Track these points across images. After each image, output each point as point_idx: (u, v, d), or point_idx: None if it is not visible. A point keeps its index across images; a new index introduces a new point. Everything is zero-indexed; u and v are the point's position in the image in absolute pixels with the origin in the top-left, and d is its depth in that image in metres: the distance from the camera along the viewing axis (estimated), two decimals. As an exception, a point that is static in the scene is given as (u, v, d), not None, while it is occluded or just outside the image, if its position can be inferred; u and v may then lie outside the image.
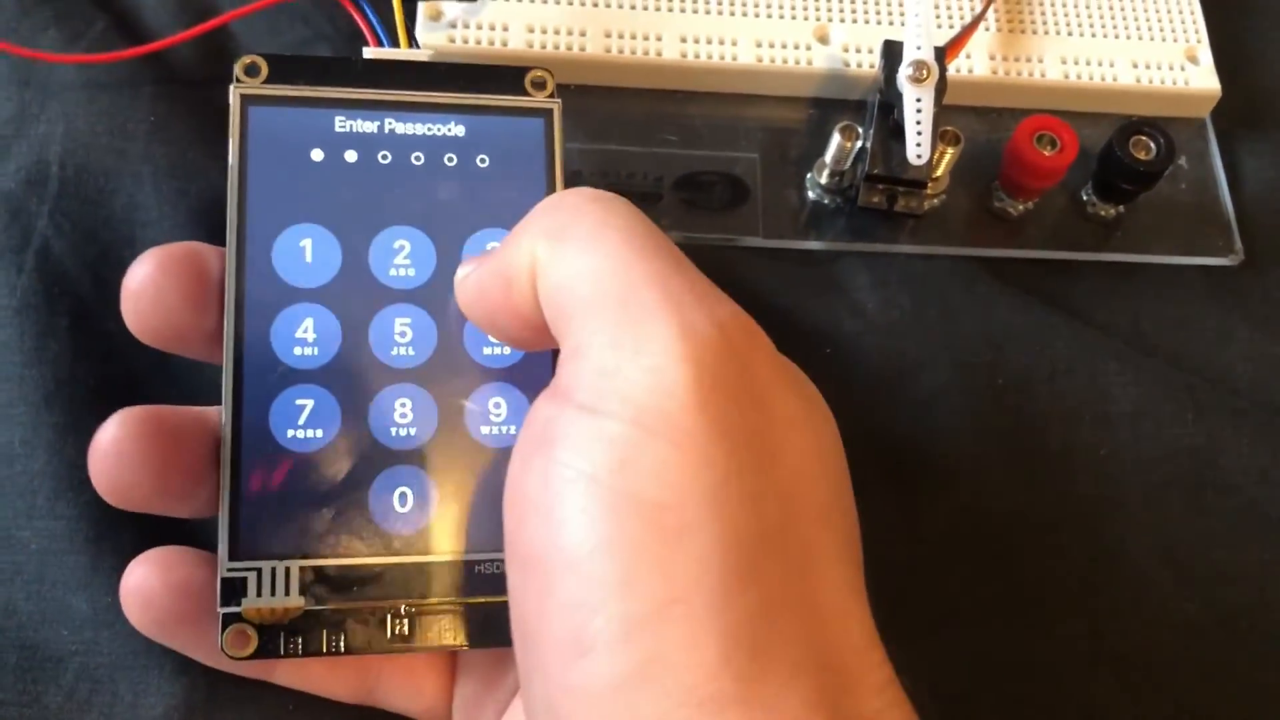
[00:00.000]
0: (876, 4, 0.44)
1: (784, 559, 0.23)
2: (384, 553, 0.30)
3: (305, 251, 0.32)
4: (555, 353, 0.32)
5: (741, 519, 0.23)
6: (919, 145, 0.39)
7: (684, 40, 0.42)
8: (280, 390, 0.31)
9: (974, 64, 0.43)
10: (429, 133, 0.33)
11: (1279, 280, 0.44)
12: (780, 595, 0.23)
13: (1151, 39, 0.45)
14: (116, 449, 0.30)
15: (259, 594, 0.29)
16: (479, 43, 0.41)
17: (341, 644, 0.30)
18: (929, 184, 0.40)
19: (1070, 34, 0.44)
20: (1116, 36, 0.45)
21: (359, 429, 0.31)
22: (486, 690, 0.33)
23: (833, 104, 0.44)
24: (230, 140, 0.32)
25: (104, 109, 0.40)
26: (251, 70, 0.33)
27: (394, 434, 0.31)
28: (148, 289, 0.31)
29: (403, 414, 0.31)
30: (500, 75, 0.34)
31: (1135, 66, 0.44)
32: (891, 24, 0.44)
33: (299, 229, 0.32)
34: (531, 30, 0.42)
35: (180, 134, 0.41)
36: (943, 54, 0.41)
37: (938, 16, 0.44)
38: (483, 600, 0.31)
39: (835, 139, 0.40)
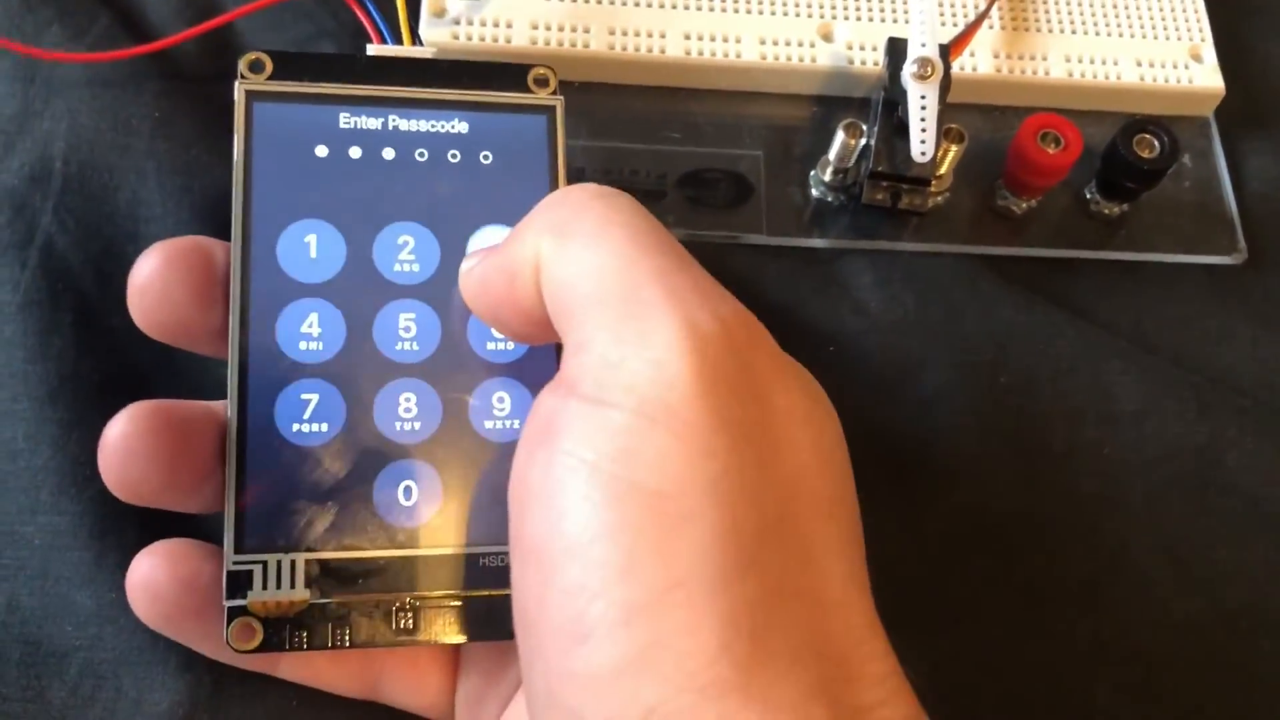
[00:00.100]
0: (881, 1, 0.44)
1: (783, 550, 0.24)
2: (388, 546, 0.30)
3: (310, 247, 0.32)
4: (559, 348, 0.32)
5: (741, 509, 0.23)
6: (923, 143, 0.39)
7: (688, 37, 0.42)
8: (285, 385, 0.31)
9: (978, 62, 0.43)
10: (433, 129, 0.33)
11: (1282, 279, 0.44)
12: (779, 585, 0.23)
13: (1155, 37, 0.45)
14: (126, 444, 0.30)
15: (264, 587, 0.29)
16: (483, 39, 0.41)
17: (346, 637, 0.30)
18: (933, 182, 0.41)
19: (1074, 32, 0.44)
20: (1120, 35, 0.45)
21: (364, 423, 0.31)
22: (489, 685, 0.33)
23: (837, 101, 0.44)
24: (235, 136, 0.32)
25: (108, 106, 0.40)
26: (256, 67, 0.33)
27: (398, 428, 0.31)
28: (154, 283, 0.31)
29: (407, 409, 0.31)
30: (503, 72, 0.34)
31: (1139, 65, 0.44)
32: (896, 21, 0.44)
33: (304, 225, 0.32)
34: (535, 27, 0.42)
35: (184, 131, 0.41)
36: (947, 51, 0.41)
37: (942, 14, 0.44)
38: (487, 593, 0.31)
39: (839, 136, 0.40)
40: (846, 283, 0.42)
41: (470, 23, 0.41)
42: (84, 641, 0.34)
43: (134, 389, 0.34)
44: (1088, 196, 0.43)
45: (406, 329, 0.32)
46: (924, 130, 0.39)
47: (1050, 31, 0.44)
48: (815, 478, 0.25)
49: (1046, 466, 0.40)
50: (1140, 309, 0.43)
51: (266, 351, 0.31)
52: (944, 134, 0.40)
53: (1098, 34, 0.45)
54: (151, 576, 0.30)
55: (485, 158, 0.34)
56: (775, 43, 0.43)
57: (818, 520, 0.25)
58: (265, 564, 0.30)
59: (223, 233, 0.32)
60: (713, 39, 0.43)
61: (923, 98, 0.39)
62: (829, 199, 0.42)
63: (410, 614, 0.30)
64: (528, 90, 0.34)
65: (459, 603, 0.31)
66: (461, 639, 0.31)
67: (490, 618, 0.31)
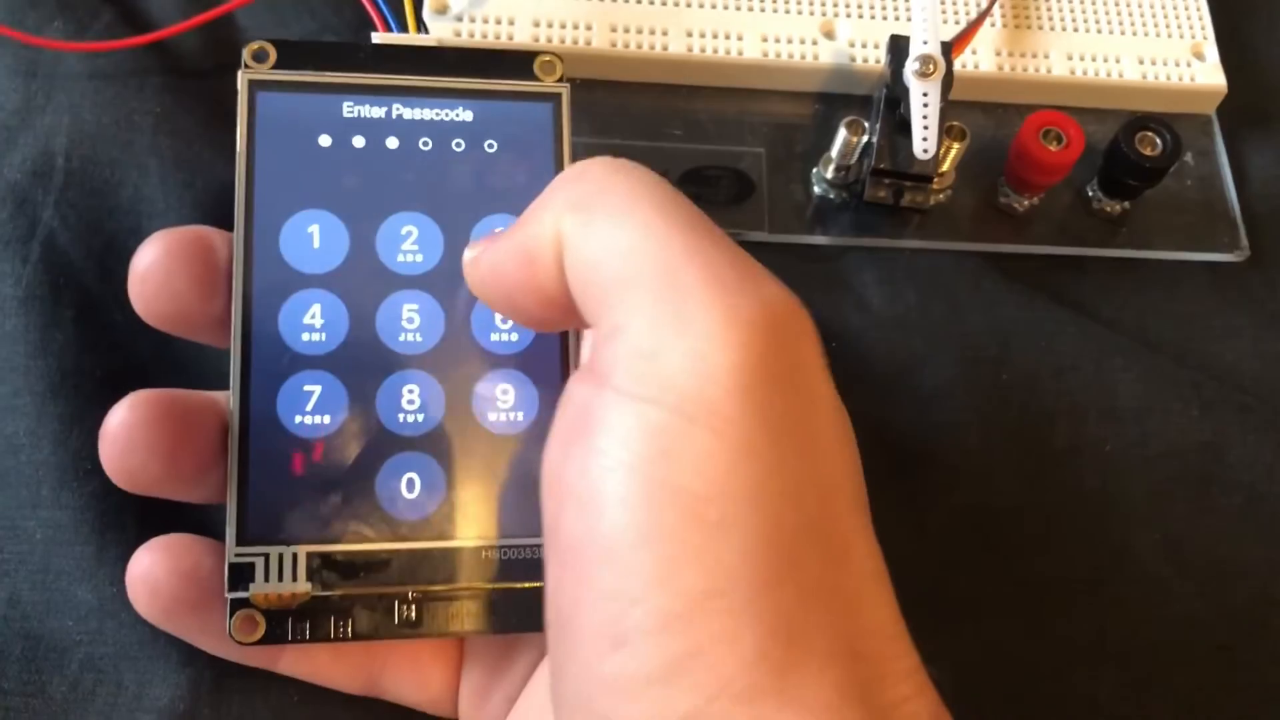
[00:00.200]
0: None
1: (823, 548, 0.23)
2: (391, 539, 0.30)
3: (313, 237, 0.32)
4: (564, 340, 0.32)
5: (783, 511, 0.23)
6: (925, 140, 0.39)
7: (690, 35, 0.43)
8: (288, 376, 0.31)
9: (980, 59, 0.44)
10: (437, 118, 0.33)
11: (1285, 277, 0.44)
12: (816, 585, 0.23)
13: (1158, 35, 0.45)
14: (127, 432, 0.30)
15: (267, 579, 0.29)
16: (485, 36, 0.41)
17: (349, 630, 0.30)
18: (935, 179, 0.41)
19: (1076, 30, 0.45)
20: (1123, 32, 0.45)
21: (366, 415, 0.31)
22: (493, 679, 0.33)
23: (839, 99, 0.44)
24: (238, 126, 0.32)
25: (110, 100, 0.41)
26: (260, 56, 0.33)
27: (401, 420, 0.31)
28: (155, 272, 0.31)
29: (410, 400, 0.31)
30: (509, 60, 0.34)
31: (1141, 62, 0.44)
32: (898, 19, 0.44)
33: (306, 215, 0.32)
34: (537, 24, 0.42)
35: (186, 125, 0.41)
36: (949, 49, 0.41)
37: (944, 12, 0.44)
38: (490, 586, 0.31)
39: (841, 134, 0.40)
40: (849, 280, 0.42)
41: (472, 19, 0.41)
42: (85, 636, 0.34)
43: (136, 384, 0.34)
44: (1090, 194, 0.43)
45: (410, 320, 0.32)
46: (926, 128, 0.39)
47: (1052, 29, 0.44)
48: (851, 469, 0.25)
49: (1048, 463, 0.40)
50: (1142, 306, 0.43)
51: (269, 343, 0.31)
52: (946, 131, 0.40)
53: (1100, 31, 0.45)
54: (151, 571, 0.30)
55: (490, 146, 0.33)
56: (777, 40, 0.43)
57: (854, 514, 0.24)
58: (267, 556, 0.29)
59: (224, 227, 0.32)
60: (715, 36, 0.43)
61: (925, 95, 0.39)
62: (831, 196, 0.42)
63: (413, 607, 0.30)
64: (533, 78, 0.34)
65: (462, 595, 0.31)
66: (465, 632, 0.31)
67: (494, 610, 0.31)
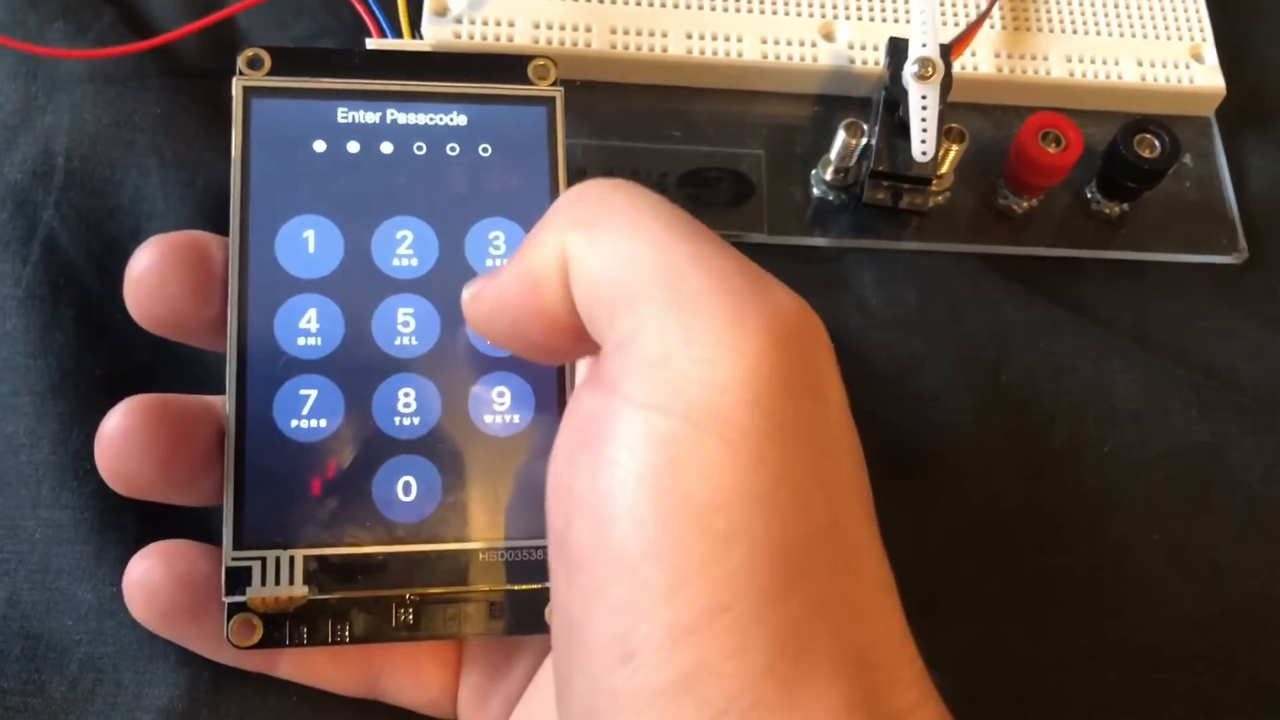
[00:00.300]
0: (882, 1, 0.44)
1: (832, 558, 0.23)
2: (388, 542, 0.30)
3: (308, 242, 0.32)
4: None
5: (792, 521, 0.22)
6: (924, 143, 0.39)
7: (690, 36, 0.43)
8: (284, 381, 0.31)
9: (979, 61, 0.44)
10: (431, 122, 0.33)
11: (1283, 278, 0.44)
12: (825, 595, 0.22)
13: (1156, 37, 0.45)
14: (122, 436, 0.30)
15: (264, 583, 0.29)
16: (484, 38, 0.41)
17: (346, 633, 0.30)
18: (934, 181, 0.41)
19: (1075, 32, 0.45)
20: (1121, 34, 0.45)
21: (362, 419, 0.31)
22: (492, 682, 0.33)
23: (838, 101, 0.44)
24: (233, 132, 0.32)
25: (110, 101, 0.41)
26: (254, 63, 0.33)
27: (397, 424, 0.31)
28: (150, 276, 0.31)
29: (406, 404, 0.31)
30: (502, 64, 0.34)
31: (1140, 64, 0.44)
32: (897, 21, 0.44)
33: (302, 220, 0.32)
34: (537, 25, 0.42)
35: (186, 126, 0.41)
36: (948, 51, 0.41)
37: (943, 14, 0.44)
38: (487, 588, 0.31)
39: (840, 136, 0.40)
40: (848, 281, 0.42)
41: (472, 21, 0.41)
42: (84, 636, 0.34)
43: (135, 384, 0.34)
44: (1088, 196, 0.43)
45: (405, 324, 0.32)
46: (925, 130, 0.39)
47: (1051, 31, 0.44)
48: (858, 478, 0.24)
49: (1047, 464, 0.40)
50: (1141, 308, 0.43)
51: (265, 347, 0.31)
52: (945, 134, 0.40)
53: (1099, 34, 0.45)
54: (148, 577, 0.30)
55: (484, 150, 0.33)
56: (777, 42, 0.43)
57: (863, 523, 0.24)
58: (264, 560, 0.30)
59: (224, 228, 0.32)
60: (714, 38, 0.43)
61: (924, 98, 0.39)
62: (830, 198, 0.42)
63: (410, 610, 0.30)
64: (527, 82, 0.34)
65: (460, 599, 0.31)
66: (462, 635, 0.31)
67: (491, 613, 0.31)
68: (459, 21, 0.41)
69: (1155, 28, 0.45)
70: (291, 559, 0.30)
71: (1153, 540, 0.39)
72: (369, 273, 0.32)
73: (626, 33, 0.42)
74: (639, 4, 0.43)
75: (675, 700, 0.21)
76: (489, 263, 0.32)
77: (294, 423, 0.31)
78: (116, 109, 0.41)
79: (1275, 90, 0.47)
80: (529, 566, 0.31)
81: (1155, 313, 0.43)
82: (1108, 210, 0.43)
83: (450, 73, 0.34)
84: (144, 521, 0.35)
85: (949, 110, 0.40)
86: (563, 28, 0.42)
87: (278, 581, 0.29)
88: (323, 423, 0.31)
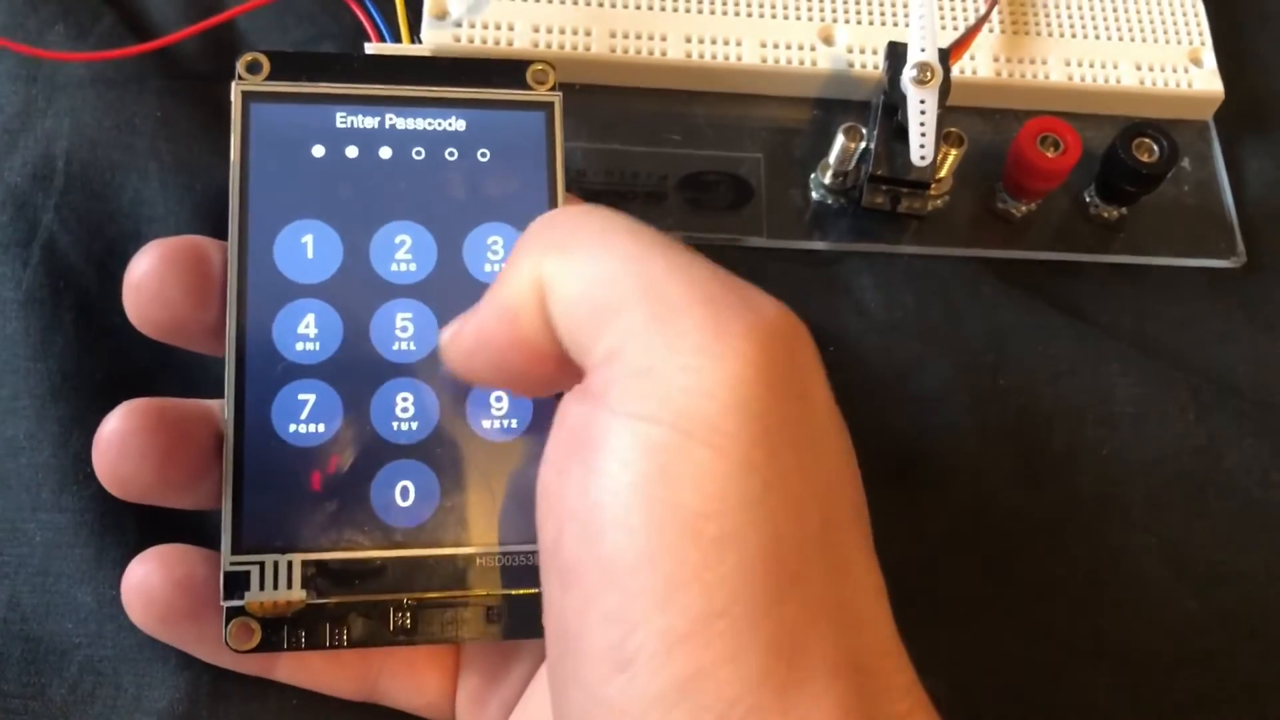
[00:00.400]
0: (881, 5, 0.44)
1: (824, 563, 0.23)
2: (386, 546, 0.30)
3: (307, 247, 0.32)
4: None
5: (783, 526, 0.22)
6: (922, 147, 0.39)
7: (689, 40, 0.43)
8: (282, 385, 0.31)
9: (978, 65, 0.44)
10: (430, 127, 0.33)
11: (1281, 282, 0.44)
12: (819, 600, 0.22)
13: (1155, 41, 0.45)
14: (120, 440, 0.30)
15: (262, 588, 0.30)
16: (484, 42, 0.41)
17: (344, 637, 0.30)
18: (932, 185, 0.41)
19: (1074, 36, 0.45)
20: (1120, 39, 0.45)
21: (361, 423, 0.31)
22: (490, 685, 0.33)
23: (837, 104, 0.44)
24: (232, 137, 0.32)
25: (110, 104, 0.41)
26: (253, 67, 0.33)
27: (396, 428, 0.31)
28: (149, 281, 0.31)
29: (404, 408, 0.31)
30: (501, 69, 0.34)
31: (1139, 69, 0.44)
32: (896, 25, 0.44)
33: (300, 225, 0.32)
34: (537, 29, 0.42)
35: (186, 129, 0.41)
36: (947, 56, 0.41)
37: (942, 18, 0.44)
38: (485, 593, 0.31)
39: (839, 140, 0.40)
40: (847, 285, 0.42)
41: (472, 25, 0.41)
42: (84, 639, 0.34)
43: (135, 387, 0.34)
44: (1087, 200, 0.43)
45: (403, 328, 0.32)
46: (923, 135, 0.39)
47: (1050, 35, 0.44)
48: (850, 481, 0.25)
49: (1046, 467, 0.40)
50: (1139, 312, 0.43)
51: (263, 352, 0.31)
52: (943, 138, 0.40)
53: (1097, 38, 0.45)
54: (146, 581, 0.30)
55: (483, 155, 0.33)
56: (776, 46, 0.43)
57: (852, 528, 0.24)
58: (262, 564, 0.30)
59: (224, 231, 0.32)
60: (713, 42, 0.43)
61: (922, 102, 0.39)
62: (829, 202, 0.42)
63: (408, 614, 0.31)
64: (526, 87, 0.34)
65: (457, 603, 0.31)
66: (460, 639, 0.31)
67: (489, 618, 0.31)
68: (458, 25, 0.41)
69: (1154, 32, 0.45)
70: (290, 563, 0.30)
71: (1150, 543, 0.39)
72: (367, 278, 0.32)
73: (626, 36, 0.42)
74: (638, 8, 0.43)
75: (672, 707, 0.21)
76: (487, 268, 0.32)
77: (292, 427, 0.31)
78: (116, 112, 0.41)
79: (1274, 94, 0.47)
80: (526, 571, 0.31)
81: (1153, 316, 0.43)
82: (1106, 214, 0.43)
83: (449, 78, 0.34)
84: (144, 525, 0.35)
85: (948, 114, 0.40)
86: (562, 31, 0.42)
87: (276, 586, 0.30)
88: (321, 427, 0.31)
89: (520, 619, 0.31)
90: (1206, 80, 0.45)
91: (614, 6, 0.43)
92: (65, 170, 0.40)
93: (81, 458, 0.36)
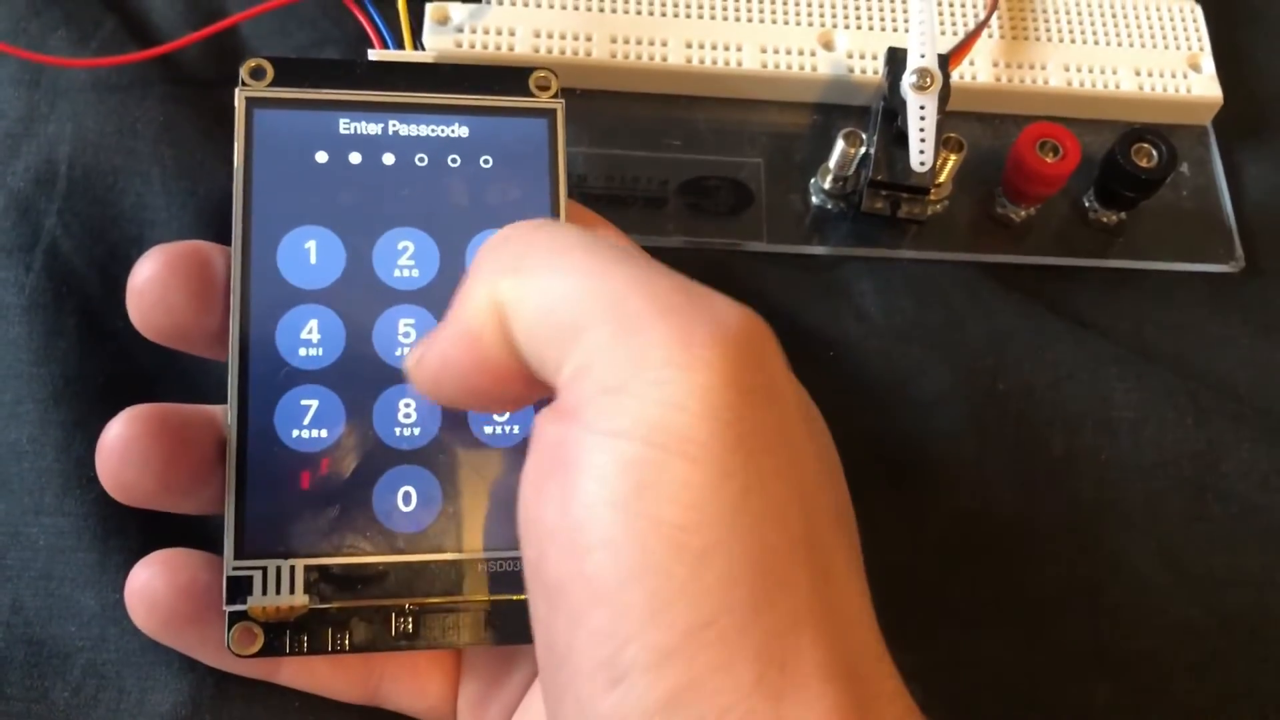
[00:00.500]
0: (881, 11, 0.44)
1: (810, 567, 0.23)
2: (388, 552, 0.31)
3: (310, 253, 0.32)
4: None
5: (766, 531, 0.22)
6: (922, 153, 0.39)
7: (689, 46, 0.43)
8: (285, 391, 0.31)
9: (977, 71, 0.44)
10: (433, 134, 0.33)
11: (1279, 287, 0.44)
12: (809, 605, 0.22)
13: (1154, 46, 0.45)
14: (122, 446, 0.30)
15: (264, 592, 0.30)
16: (485, 47, 0.41)
17: (346, 642, 0.30)
18: (932, 190, 0.41)
19: (1073, 41, 0.45)
20: (1119, 44, 0.45)
21: (363, 429, 0.31)
22: (491, 689, 0.33)
23: (837, 109, 0.44)
24: (235, 143, 0.32)
25: (113, 109, 0.41)
26: (257, 73, 0.33)
27: (398, 434, 0.31)
28: (153, 286, 0.31)
29: (406, 414, 0.31)
30: (504, 76, 0.34)
31: (1138, 74, 0.44)
32: (896, 30, 0.44)
33: (303, 231, 0.32)
34: (538, 35, 0.42)
35: (189, 134, 0.41)
36: (946, 61, 0.41)
37: (942, 23, 0.44)
38: (486, 598, 0.31)
39: (839, 145, 0.41)
40: (846, 290, 0.42)
41: (473, 30, 0.42)
42: (87, 642, 0.35)
43: (138, 391, 0.34)
44: (1086, 205, 0.43)
45: (406, 335, 0.32)
46: (923, 140, 0.39)
47: (1049, 41, 0.45)
48: (827, 483, 0.25)
49: (1045, 472, 0.40)
50: (1138, 317, 0.43)
51: (266, 358, 0.31)
52: (943, 143, 0.40)
53: (1096, 43, 0.45)
54: (149, 586, 0.31)
55: (485, 162, 0.34)
56: (776, 51, 0.43)
57: (833, 529, 0.24)
58: (265, 569, 0.30)
59: (226, 236, 0.32)
60: (714, 47, 0.43)
61: (922, 108, 0.39)
62: (829, 206, 0.43)
63: (410, 619, 0.31)
64: (528, 94, 0.34)
65: (459, 608, 0.31)
66: (462, 644, 0.31)
67: (491, 622, 0.31)
68: (460, 31, 0.41)
69: (1153, 37, 0.45)
70: (292, 568, 0.30)
71: (1149, 548, 0.39)
72: (370, 283, 0.32)
73: (627, 42, 0.42)
74: (639, 13, 0.43)
75: (668, 719, 0.21)
76: None
77: (295, 433, 0.31)
78: (119, 117, 0.41)
79: (1272, 99, 0.47)
80: None
81: (1152, 321, 0.43)
82: (1105, 219, 0.43)
83: (452, 84, 0.34)
84: (147, 529, 0.35)
85: (947, 119, 0.40)
86: (563, 37, 0.42)
87: (278, 591, 0.30)
88: (323, 433, 0.31)
89: (522, 624, 0.30)
90: (1205, 85, 0.45)
91: (614, 12, 0.43)
92: (68, 175, 0.40)
93: (84, 462, 0.36)
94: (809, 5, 0.44)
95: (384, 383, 0.32)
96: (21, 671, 0.34)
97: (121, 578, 0.32)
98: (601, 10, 0.43)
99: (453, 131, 0.33)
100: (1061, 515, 0.40)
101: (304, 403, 0.31)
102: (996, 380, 0.41)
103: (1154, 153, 0.41)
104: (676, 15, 0.43)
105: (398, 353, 0.32)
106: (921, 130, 0.39)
